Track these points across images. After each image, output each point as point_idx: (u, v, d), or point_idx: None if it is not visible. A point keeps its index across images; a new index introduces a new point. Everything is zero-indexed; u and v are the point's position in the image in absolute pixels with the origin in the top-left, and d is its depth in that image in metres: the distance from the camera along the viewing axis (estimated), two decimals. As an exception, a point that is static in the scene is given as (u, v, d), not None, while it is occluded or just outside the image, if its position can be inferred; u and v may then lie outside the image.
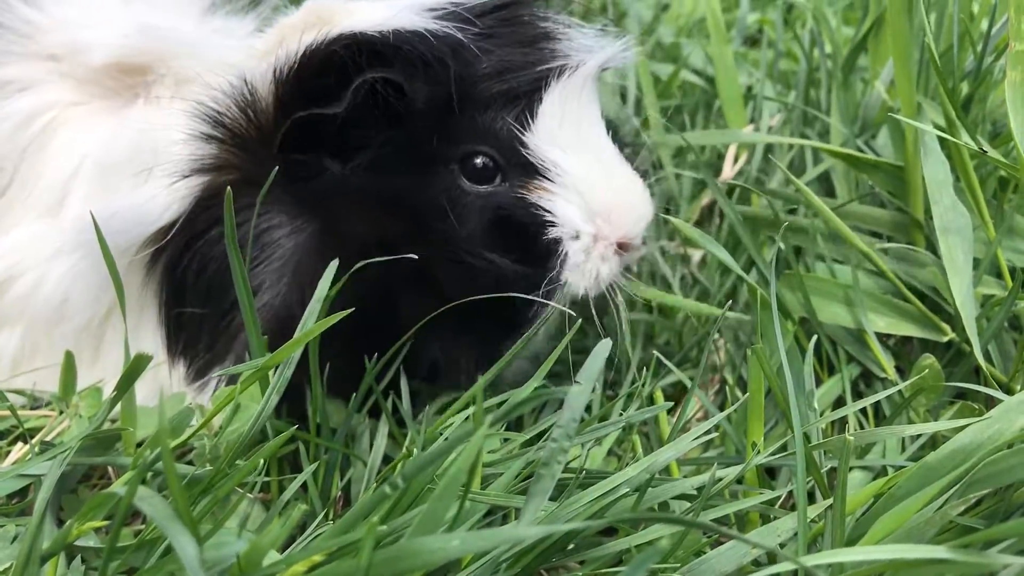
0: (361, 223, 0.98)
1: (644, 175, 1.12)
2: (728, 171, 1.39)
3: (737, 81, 1.40)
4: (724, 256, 1.01)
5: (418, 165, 1.00)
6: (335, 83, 0.93)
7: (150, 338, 1.06)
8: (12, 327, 1.09)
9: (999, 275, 1.18)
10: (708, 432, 0.84)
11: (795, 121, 1.48)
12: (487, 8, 1.03)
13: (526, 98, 1.01)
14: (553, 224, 1.01)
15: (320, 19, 1.04)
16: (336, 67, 0.94)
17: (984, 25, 1.33)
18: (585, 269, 1.03)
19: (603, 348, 0.75)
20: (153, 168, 1.00)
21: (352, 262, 0.91)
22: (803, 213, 1.31)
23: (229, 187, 0.89)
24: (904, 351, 1.24)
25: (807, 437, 0.99)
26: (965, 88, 1.34)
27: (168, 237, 1.00)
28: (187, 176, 0.99)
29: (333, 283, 0.88)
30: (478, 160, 1.01)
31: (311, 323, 0.82)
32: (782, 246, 1.12)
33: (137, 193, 1.00)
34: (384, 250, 0.94)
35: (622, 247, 1.05)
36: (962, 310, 1.04)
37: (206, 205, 0.99)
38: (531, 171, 1.02)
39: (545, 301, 1.00)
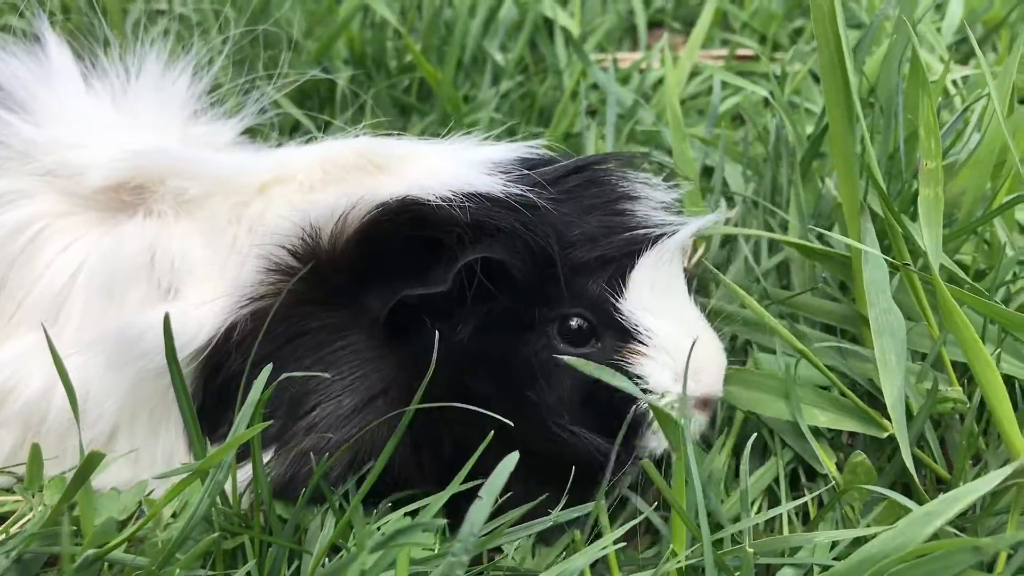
0: (453, 382, 1.00)
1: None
2: (685, 262, 1.43)
3: (696, 177, 1.46)
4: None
5: (512, 328, 1.04)
6: (422, 251, 1.00)
7: (172, 439, 1.08)
8: (8, 430, 1.12)
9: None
10: (613, 544, 0.88)
11: (761, 209, 1.53)
12: (561, 172, 1.08)
13: (618, 263, 1.05)
14: (646, 390, 1.04)
15: (374, 164, 1.08)
16: (423, 240, 1.00)
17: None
18: None
19: (510, 461, 0.80)
20: (179, 286, 1.05)
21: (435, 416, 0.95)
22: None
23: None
24: (854, 443, 1.27)
25: (735, 538, 1.03)
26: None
27: (205, 355, 1.02)
28: (243, 305, 1.02)
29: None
30: (573, 322, 1.04)
31: (243, 428, 0.88)
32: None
33: (170, 310, 1.01)
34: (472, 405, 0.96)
35: (704, 403, 1.09)
36: (892, 412, 1.08)
37: (250, 330, 1.01)
38: (626, 335, 1.05)
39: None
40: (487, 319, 1.02)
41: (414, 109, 2.07)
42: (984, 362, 0.99)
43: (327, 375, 1.01)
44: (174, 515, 0.99)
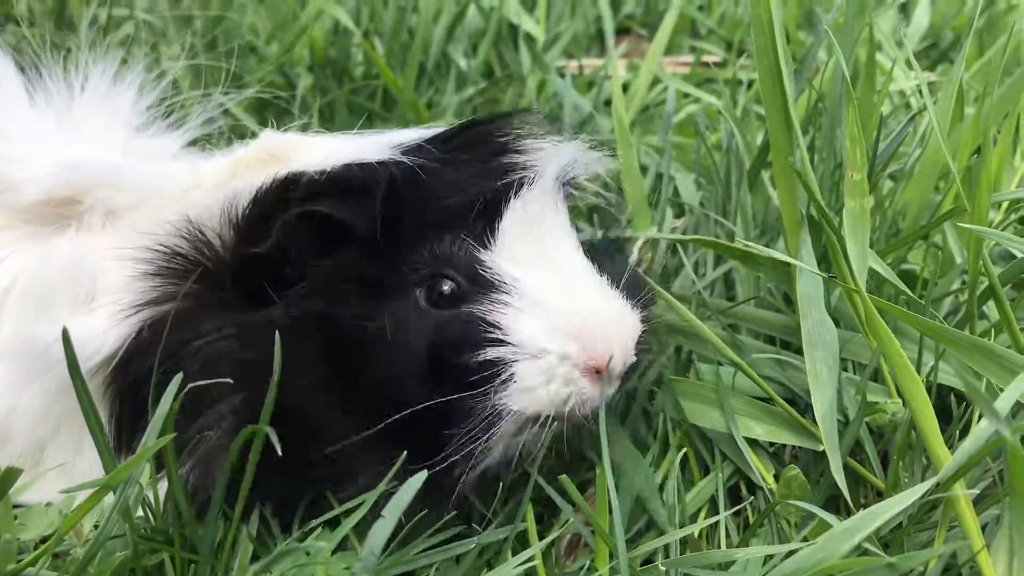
0: (296, 352, 0.94)
1: (634, 293, 1.06)
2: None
3: (642, 187, 1.45)
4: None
5: (365, 291, 0.98)
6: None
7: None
8: None
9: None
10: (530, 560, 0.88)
11: (712, 220, 1.53)
12: (450, 134, 1.03)
13: (487, 216, 0.99)
14: (499, 342, 0.96)
15: (273, 156, 1.06)
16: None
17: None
18: (543, 393, 0.96)
19: (417, 480, 0.79)
20: (95, 295, 1.04)
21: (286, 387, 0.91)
22: (701, 316, 1.34)
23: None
24: (799, 455, 1.26)
25: (666, 550, 1.02)
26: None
27: (115, 363, 1.01)
28: (136, 311, 1.00)
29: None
30: (445, 286, 0.98)
31: (152, 440, 0.87)
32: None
33: (78, 320, 1.01)
34: (319, 379, 0.95)
35: (597, 371, 0.98)
36: (822, 425, 1.07)
37: (149, 336, 0.99)
38: (489, 289, 0.98)
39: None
40: (337, 282, 0.97)
41: (377, 116, 2.06)
42: (908, 374, 0.98)
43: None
44: (96, 525, 0.98)
